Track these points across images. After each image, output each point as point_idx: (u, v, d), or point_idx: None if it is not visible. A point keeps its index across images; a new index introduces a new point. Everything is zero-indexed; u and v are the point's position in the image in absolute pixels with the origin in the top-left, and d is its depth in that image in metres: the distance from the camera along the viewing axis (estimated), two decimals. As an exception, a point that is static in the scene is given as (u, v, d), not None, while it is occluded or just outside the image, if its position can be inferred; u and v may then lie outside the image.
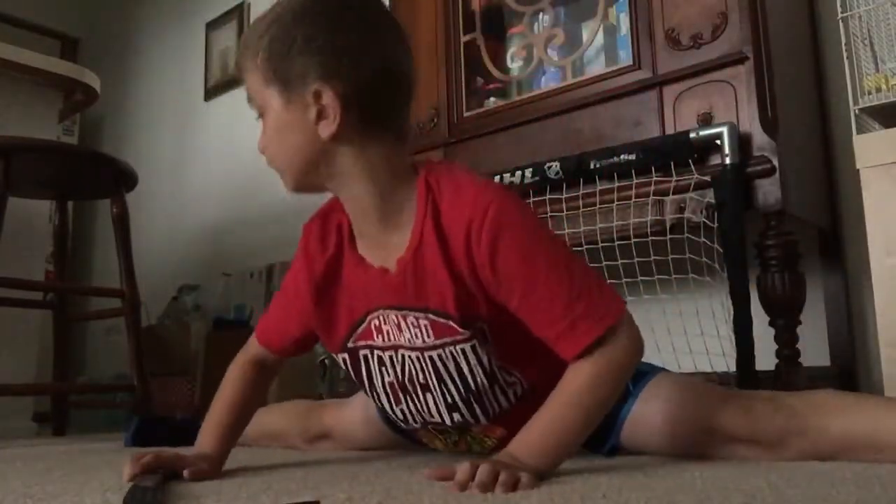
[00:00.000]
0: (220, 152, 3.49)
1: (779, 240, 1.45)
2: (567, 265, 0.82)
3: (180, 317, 3.10)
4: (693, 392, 0.96)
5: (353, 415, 1.20)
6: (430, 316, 0.87)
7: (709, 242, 1.48)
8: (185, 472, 0.83)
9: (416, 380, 0.93)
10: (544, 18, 1.93)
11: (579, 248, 1.59)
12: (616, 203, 1.59)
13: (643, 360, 1.06)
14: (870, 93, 1.46)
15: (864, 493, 0.64)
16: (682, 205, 1.52)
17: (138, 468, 0.82)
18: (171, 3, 3.93)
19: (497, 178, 1.73)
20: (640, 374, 0.98)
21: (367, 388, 1.00)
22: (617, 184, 1.59)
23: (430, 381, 0.93)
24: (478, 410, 0.93)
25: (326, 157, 0.85)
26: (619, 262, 1.59)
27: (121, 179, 1.97)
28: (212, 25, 3.62)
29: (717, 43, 1.56)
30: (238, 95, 3.43)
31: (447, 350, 0.89)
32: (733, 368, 1.44)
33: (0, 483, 0.89)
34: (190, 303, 3.17)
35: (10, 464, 1.15)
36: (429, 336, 0.89)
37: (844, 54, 1.49)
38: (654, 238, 1.55)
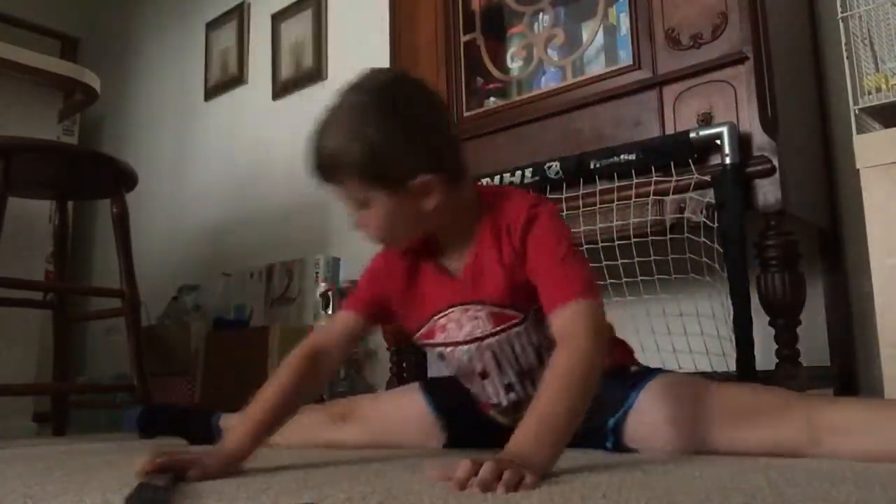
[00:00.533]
0: (220, 152, 3.48)
1: (779, 240, 1.45)
2: (567, 255, 0.96)
3: (180, 317, 3.10)
4: (696, 381, 1.04)
5: (396, 403, 1.27)
6: (487, 307, 1.03)
7: (709, 242, 1.48)
8: (190, 474, 0.83)
9: (474, 370, 1.09)
10: (544, 18, 1.93)
11: (579, 248, 1.60)
12: (616, 203, 1.59)
13: (643, 363, 1.10)
14: (870, 93, 1.46)
15: (864, 493, 0.64)
16: (682, 205, 1.52)
17: (151, 467, 0.82)
18: (171, 3, 3.93)
19: (497, 179, 1.73)
20: (642, 374, 1.05)
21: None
22: (617, 184, 1.59)
23: (487, 368, 1.08)
24: (529, 386, 1.07)
25: (428, 220, 0.99)
26: (619, 262, 1.59)
27: (121, 179, 1.97)
28: (212, 25, 3.62)
29: (717, 43, 1.56)
30: (238, 95, 3.43)
31: (503, 335, 1.04)
32: (733, 368, 1.44)
33: (0, 483, 0.89)
34: (190, 303, 3.17)
35: (10, 464, 1.15)
36: (487, 325, 1.04)
37: (844, 54, 1.49)
38: (654, 238, 1.55)
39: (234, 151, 3.40)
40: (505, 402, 1.10)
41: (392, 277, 1.08)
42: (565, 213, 1.65)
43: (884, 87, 1.44)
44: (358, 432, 1.25)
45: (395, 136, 0.92)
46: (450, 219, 1.02)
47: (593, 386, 0.85)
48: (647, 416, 1.00)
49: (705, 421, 0.97)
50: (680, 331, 1.59)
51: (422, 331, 1.09)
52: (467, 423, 1.17)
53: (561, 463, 0.81)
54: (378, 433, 1.23)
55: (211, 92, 3.58)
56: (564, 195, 1.66)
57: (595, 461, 0.93)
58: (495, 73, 1.98)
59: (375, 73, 0.97)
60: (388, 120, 0.92)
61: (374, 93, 0.94)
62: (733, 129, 1.46)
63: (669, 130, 1.59)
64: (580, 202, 1.64)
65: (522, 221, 0.99)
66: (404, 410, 1.23)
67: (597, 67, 1.81)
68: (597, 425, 1.01)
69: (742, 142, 1.47)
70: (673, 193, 1.52)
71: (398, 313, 1.10)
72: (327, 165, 0.94)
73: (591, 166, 1.61)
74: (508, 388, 1.09)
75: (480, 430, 1.14)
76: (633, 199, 1.57)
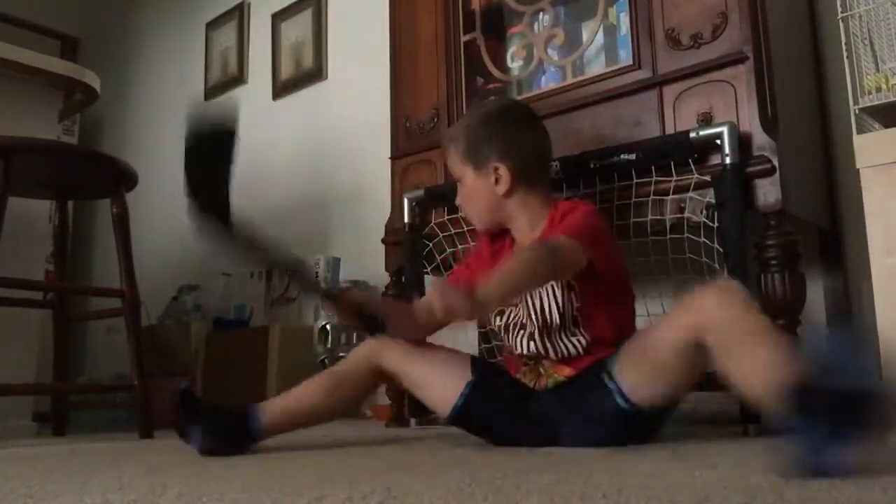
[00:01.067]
0: (220, 152, 3.48)
1: (779, 240, 1.45)
2: (581, 225, 1.25)
3: (180, 317, 3.10)
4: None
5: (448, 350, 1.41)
6: None
7: (709, 242, 1.48)
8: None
9: (519, 321, 1.32)
10: (544, 18, 1.93)
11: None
12: (616, 203, 1.59)
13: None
14: (870, 93, 1.46)
15: (864, 493, 0.64)
16: (682, 205, 1.52)
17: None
18: (171, 3, 3.93)
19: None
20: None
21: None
22: (617, 184, 1.59)
23: (522, 319, 1.31)
24: (549, 346, 1.28)
25: (500, 206, 1.39)
26: (619, 261, 1.59)
27: (121, 179, 1.97)
28: (212, 25, 3.63)
29: (717, 43, 1.56)
30: (238, 95, 3.44)
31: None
32: (733, 368, 1.44)
33: (0, 483, 0.89)
34: (190, 303, 3.17)
35: (10, 464, 1.15)
36: None
37: (844, 54, 1.49)
38: (654, 238, 1.55)
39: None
40: (526, 351, 1.30)
41: (479, 259, 1.45)
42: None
43: (884, 87, 1.44)
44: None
45: (482, 134, 1.38)
46: (520, 215, 1.37)
47: (540, 269, 1.17)
48: (628, 346, 1.18)
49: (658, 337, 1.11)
50: (680, 331, 1.59)
51: None
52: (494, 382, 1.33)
53: (561, 462, 0.81)
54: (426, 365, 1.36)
55: (211, 92, 3.58)
56: (564, 195, 1.66)
57: (595, 462, 0.93)
58: (495, 72, 1.98)
59: (491, 99, 1.51)
60: (481, 125, 1.40)
61: (481, 109, 1.48)
62: (733, 129, 1.46)
63: (669, 130, 1.59)
64: (580, 202, 1.64)
65: (562, 213, 1.31)
66: (455, 353, 1.38)
67: (597, 67, 1.81)
68: (604, 365, 1.19)
69: (742, 142, 1.47)
70: (673, 193, 1.52)
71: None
72: (444, 145, 1.45)
73: (591, 166, 1.61)
74: (530, 336, 1.29)
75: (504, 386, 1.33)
76: (633, 200, 1.57)
